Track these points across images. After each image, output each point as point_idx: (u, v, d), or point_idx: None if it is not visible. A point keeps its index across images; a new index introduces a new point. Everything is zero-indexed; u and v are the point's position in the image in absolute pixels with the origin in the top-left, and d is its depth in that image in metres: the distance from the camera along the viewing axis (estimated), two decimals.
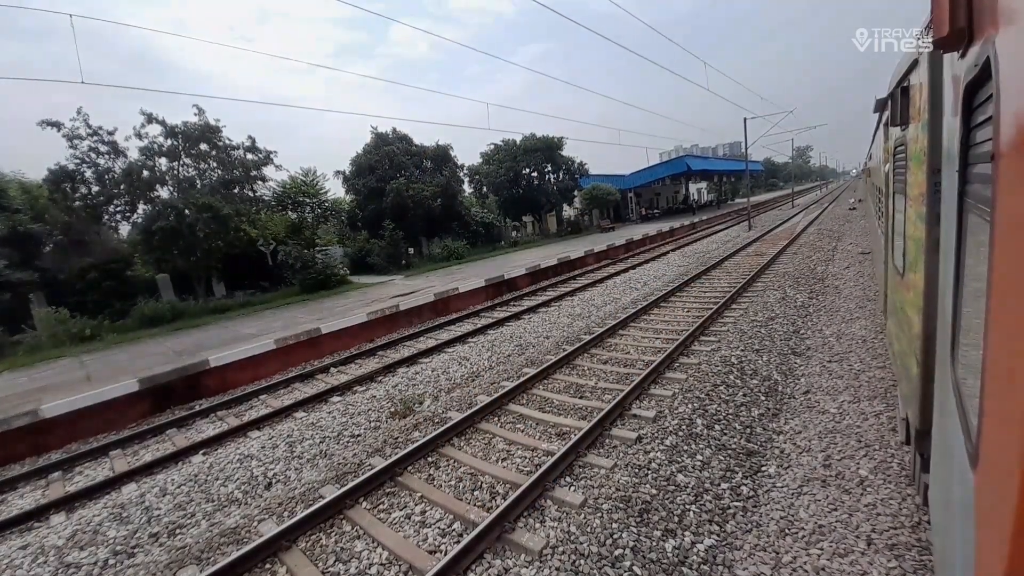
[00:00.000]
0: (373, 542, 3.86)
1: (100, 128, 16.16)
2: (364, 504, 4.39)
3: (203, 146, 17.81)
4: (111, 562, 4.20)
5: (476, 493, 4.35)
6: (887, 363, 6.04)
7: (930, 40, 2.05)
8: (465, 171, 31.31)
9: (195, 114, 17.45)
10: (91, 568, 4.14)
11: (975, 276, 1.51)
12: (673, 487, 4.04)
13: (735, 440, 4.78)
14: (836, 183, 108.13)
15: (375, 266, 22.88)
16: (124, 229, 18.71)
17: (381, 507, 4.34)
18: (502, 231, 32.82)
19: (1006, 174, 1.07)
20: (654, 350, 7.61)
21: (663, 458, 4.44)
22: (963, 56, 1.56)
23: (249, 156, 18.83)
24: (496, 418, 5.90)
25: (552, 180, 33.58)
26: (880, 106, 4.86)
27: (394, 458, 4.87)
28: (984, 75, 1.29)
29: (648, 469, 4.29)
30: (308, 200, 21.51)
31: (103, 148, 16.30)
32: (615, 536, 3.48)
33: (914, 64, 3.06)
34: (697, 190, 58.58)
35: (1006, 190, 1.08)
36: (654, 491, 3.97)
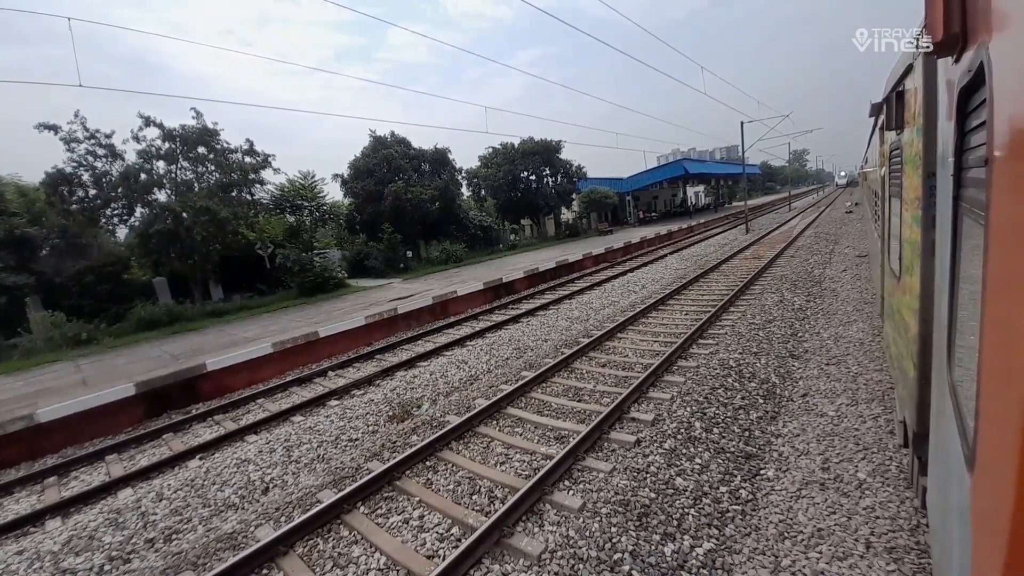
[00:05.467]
0: (371, 547, 3.84)
1: (98, 131, 16.09)
2: (362, 509, 4.37)
3: (201, 149, 17.74)
4: (107, 568, 4.16)
5: (474, 497, 4.33)
6: (884, 366, 6.05)
7: (927, 43, 2.07)
8: (463, 174, 31.33)
9: (193, 117, 17.41)
10: (87, 574, 4.10)
11: (970, 279, 1.51)
12: (672, 491, 4.03)
13: (734, 443, 4.78)
14: (831, 187, 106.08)
15: (373, 269, 22.83)
16: (121, 232, 18.63)
17: (379, 512, 4.32)
18: (500, 234, 32.83)
19: (1000, 178, 1.08)
20: (652, 353, 7.61)
21: (662, 461, 4.44)
22: (957, 61, 1.57)
23: (247, 159, 18.77)
24: (495, 422, 5.89)
25: (550, 183, 33.61)
26: (876, 110, 4.90)
27: (392, 462, 4.85)
28: (978, 80, 1.30)
29: (647, 473, 4.28)
30: (306, 203, 21.50)
31: (100, 151, 16.21)
32: (614, 540, 3.47)
33: (909, 69, 3.09)
34: (695, 193, 58.75)
35: (1000, 193, 1.09)
36: (653, 495, 3.96)
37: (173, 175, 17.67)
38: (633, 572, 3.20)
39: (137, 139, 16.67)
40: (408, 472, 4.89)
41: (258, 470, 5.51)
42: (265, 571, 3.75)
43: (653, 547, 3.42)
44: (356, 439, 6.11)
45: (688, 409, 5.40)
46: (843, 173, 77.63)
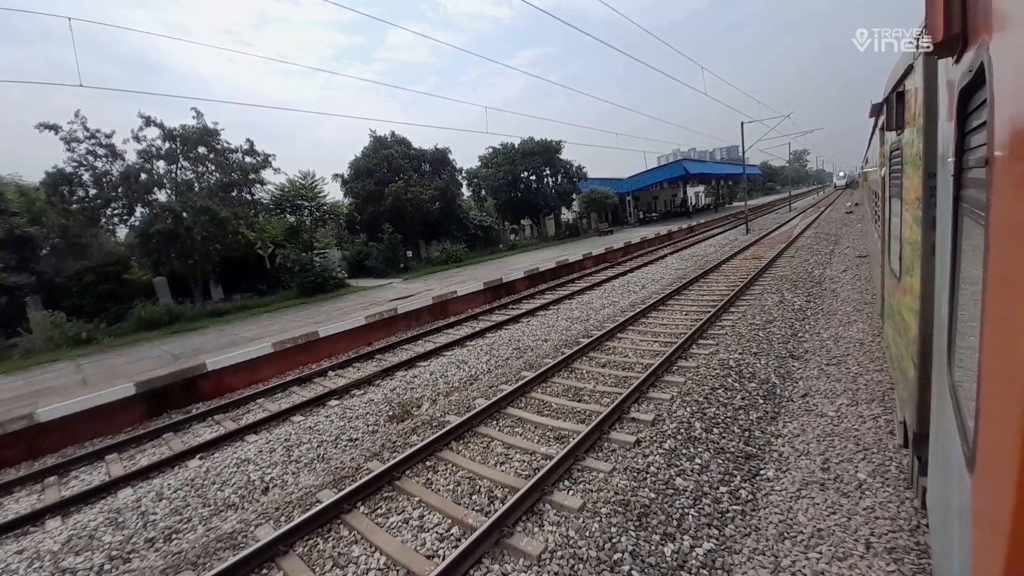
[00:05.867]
0: (371, 547, 3.84)
1: (98, 131, 16.08)
2: (362, 508, 4.37)
3: (201, 149, 17.72)
4: (107, 567, 4.16)
5: (474, 497, 4.33)
6: (884, 366, 6.05)
7: (927, 44, 2.07)
8: (464, 174, 31.32)
9: (193, 117, 17.39)
10: (87, 573, 4.10)
11: (971, 279, 1.51)
12: (672, 491, 4.03)
13: (733, 443, 4.78)
14: (831, 187, 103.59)
15: (373, 269, 22.82)
16: (121, 232, 18.63)
17: (379, 512, 4.32)
18: (500, 234, 32.84)
19: (1000, 178, 1.08)
20: (652, 353, 7.61)
21: (662, 462, 4.44)
22: (958, 61, 1.57)
23: (247, 159, 18.76)
24: (494, 422, 5.89)
25: (550, 183, 33.59)
26: (876, 111, 4.90)
27: (392, 462, 4.85)
28: (978, 80, 1.30)
29: (647, 473, 4.28)
30: (306, 203, 21.49)
31: (101, 151, 16.19)
32: (614, 540, 3.47)
33: (909, 69, 3.09)
34: (695, 194, 58.72)
35: (1000, 194, 1.09)
36: (653, 495, 3.96)
37: (173, 175, 17.66)
38: (633, 572, 3.20)
39: (137, 139, 16.66)
40: (408, 472, 4.89)
41: (258, 470, 5.51)
42: (265, 571, 3.75)
43: (653, 547, 3.42)
44: (356, 439, 6.11)
45: (688, 409, 5.40)
46: (842, 173, 70.50)
